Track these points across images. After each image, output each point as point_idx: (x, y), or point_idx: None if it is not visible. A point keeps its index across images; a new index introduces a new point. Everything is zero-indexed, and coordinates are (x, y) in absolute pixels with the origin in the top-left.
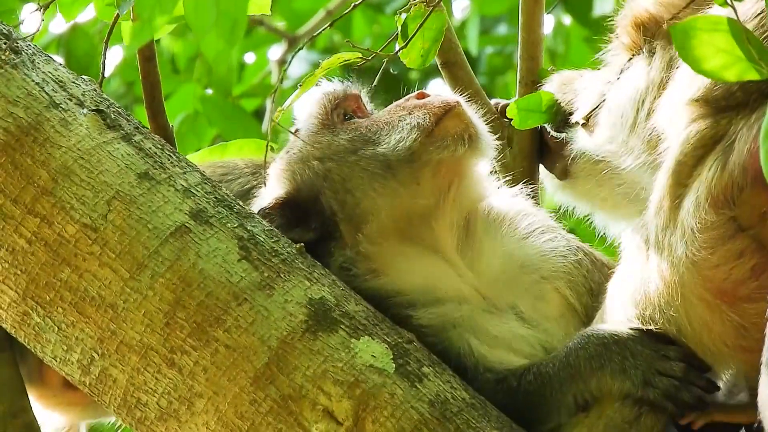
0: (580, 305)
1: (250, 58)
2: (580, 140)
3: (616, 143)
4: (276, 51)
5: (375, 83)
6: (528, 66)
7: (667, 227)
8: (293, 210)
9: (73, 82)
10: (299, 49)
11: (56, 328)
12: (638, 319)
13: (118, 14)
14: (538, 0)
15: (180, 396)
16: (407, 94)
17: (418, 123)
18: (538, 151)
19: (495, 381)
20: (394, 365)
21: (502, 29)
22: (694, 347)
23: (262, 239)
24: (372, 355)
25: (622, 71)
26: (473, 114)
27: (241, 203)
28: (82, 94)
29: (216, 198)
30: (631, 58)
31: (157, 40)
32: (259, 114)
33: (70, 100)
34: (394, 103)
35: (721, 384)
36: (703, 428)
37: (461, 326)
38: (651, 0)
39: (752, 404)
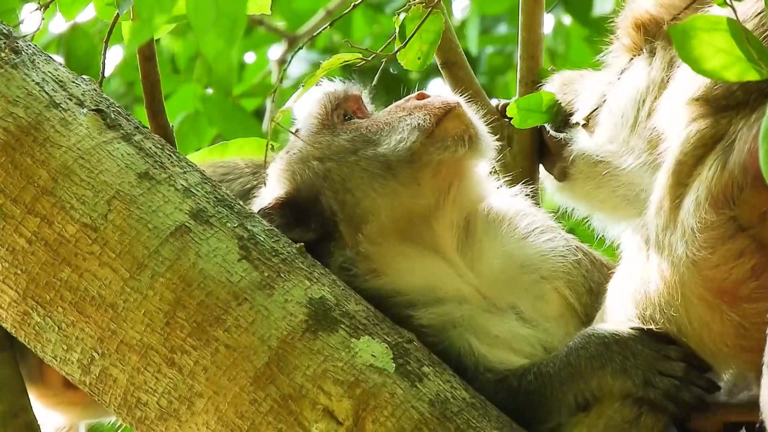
0: (580, 305)
1: (250, 57)
2: (581, 141)
3: (616, 143)
4: (276, 51)
5: (374, 83)
6: (528, 66)
7: (667, 227)
8: (293, 210)
9: (73, 82)
10: (299, 49)
11: (56, 328)
12: (639, 319)
13: (118, 14)
14: (538, 0)
15: (180, 395)
16: (407, 94)
17: (419, 124)
18: (538, 151)
19: (495, 381)
20: (394, 365)
21: (502, 29)
22: (695, 347)
23: (262, 239)
24: (372, 355)
25: (623, 71)
26: (473, 115)
27: (241, 203)
28: (82, 94)
29: (216, 198)
30: (631, 59)
31: (157, 40)
32: (259, 114)
33: (70, 100)
34: (394, 104)
35: (721, 384)
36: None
37: (461, 326)
38: (652, 1)
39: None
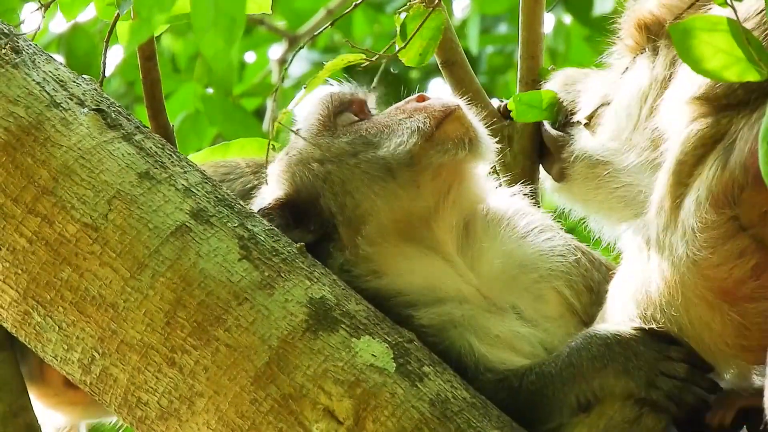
0: (580, 304)
1: (250, 57)
2: (582, 140)
3: (619, 140)
4: (276, 50)
5: (374, 84)
6: (528, 65)
7: (667, 227)
8: (292, 211)
9: (74, 82)
10: (300, 49)
11: (57, 328)
12: (640, 319)
13: (118, 14)
14: None
15: (181, 395)
16: (407, 93)
17: (418, 127)
18: (538, 151)
19: (496, 380)
20: (394, 364)
21: (502, 28)
22: (695, 346)
23: (262, 238)
24: (372, 355)
25: (625, 70)
26: (473, 117)
27: (241, 203)
28: (83, 94)
29: (216, 197)
30: (634, 58)
31: (158, 39)
32: (259, 113)
33: (71, 100)
34: (395, 106)
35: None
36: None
37: (462, 326)
38: (655, 2)
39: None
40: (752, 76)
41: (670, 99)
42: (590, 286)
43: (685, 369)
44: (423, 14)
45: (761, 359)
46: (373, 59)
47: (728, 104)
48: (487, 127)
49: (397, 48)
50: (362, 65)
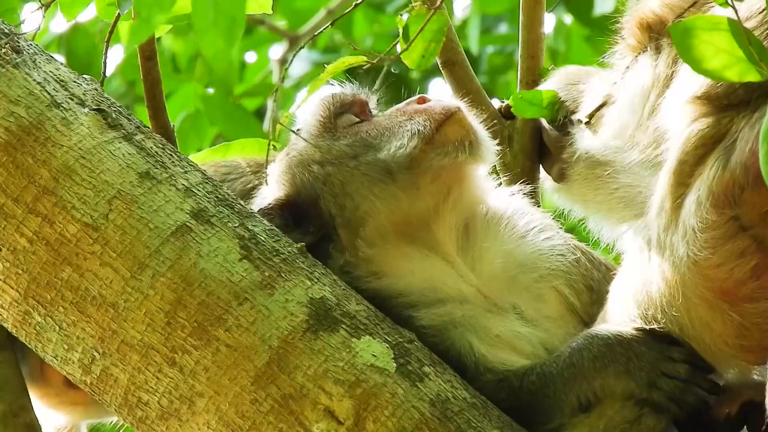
0: (580, 303)
1: (251, 57)
2: (583, 139)
3: (622, 138)
4: (277, 50)
5: (377, 87)
6: (529, 65)
7: (668, 227)
8: (292, 212)
9: (75, 82)
10: (300, 48)
11: (57, 328)
12: (641, 319)
13: (119, 13)
14: None
15: (181, 395)
16: (408, 93)
17: (419, 130)
18: (538, 151)
19: (496, 381)
20: (394, 365)
21: (502, 28)
22: (696, 347)
23: (263, 239)
24: (373, 355)
25: (628, 69)
26: (474, 119)
27: (242, 203)
28: (84, 94)
29: (217, 197)
30: (636, 57)
31: (158, 39)
32: (260, 113)
33: (72, 100)
34: (395, 107)
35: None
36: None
37: (462, 326)
38: (657, 2)
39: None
40: (753, 77)
41: (672, 98)
42: (590, 286)
43: (686, 370)
44: (425, 16)
45: (761, 359)
46: (374, 61)
47: (729, 104)
48: (487, 129)
49: (399, 50)
50: (364, 67)
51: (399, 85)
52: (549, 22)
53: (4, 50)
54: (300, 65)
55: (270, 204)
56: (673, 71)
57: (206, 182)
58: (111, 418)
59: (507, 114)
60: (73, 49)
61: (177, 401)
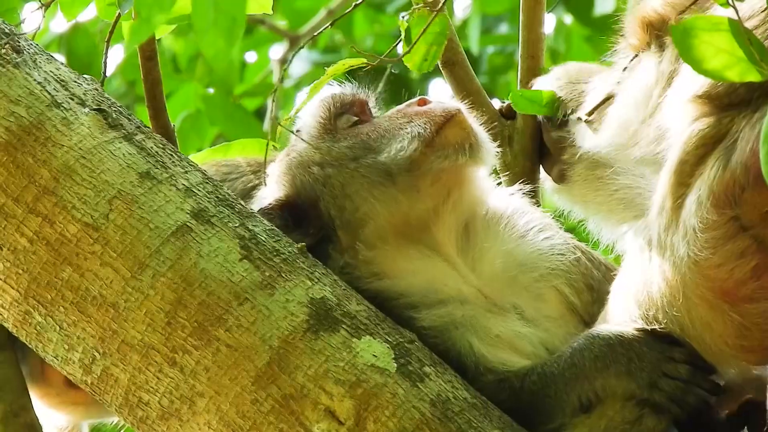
0: (580, 302)
1: (251, 57)
2: (584, 138)
3: (626, 134)
4: (277, 50)
5: (379, 89)
6: (529, 65)
7: (669, 227)
8: (291, 213)
9: (75, 82)
10: (300, 48)
11: (58, 328)
12: (642, 320)
13: (119, 13)
14: None
15: (182, 395)
16: (408, 93)
17: (419, 132)
18: (538, 151)
19: (497, 381)
20: (395, 365)
21: (503, 28)
22: (697, 347)
23: (263, 239)
24: (373, 355)
25: (630, 66)
26: (474, 121)
27: (242, 203)
28: (84, 94)
29: (217, 197)
30: (637, 54)
31: (158, 39)
32: (260, 113)
33: (72, 100)
34: (395, 109)
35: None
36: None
37: (463, 326)
38: (660, 0)
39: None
40: (753, 77)
41: (673, 97)
42: (590, 285)
43: (687, 370)
44: (427, 18)
45: (762, 360)
46: (375, 63)
47: (730, 103)
48: (487, 130)
49: (399, 51)
50: (367, 69)
51: (399, 85)
52: (549, 22)
53: (4, 50)
54: (300, 65)
55: (270, 204)
56: (676, 68)
57: (206, 182)
58: (112, 418)
59: (507, 114)
60: (73, 48)
61: (178, 401)
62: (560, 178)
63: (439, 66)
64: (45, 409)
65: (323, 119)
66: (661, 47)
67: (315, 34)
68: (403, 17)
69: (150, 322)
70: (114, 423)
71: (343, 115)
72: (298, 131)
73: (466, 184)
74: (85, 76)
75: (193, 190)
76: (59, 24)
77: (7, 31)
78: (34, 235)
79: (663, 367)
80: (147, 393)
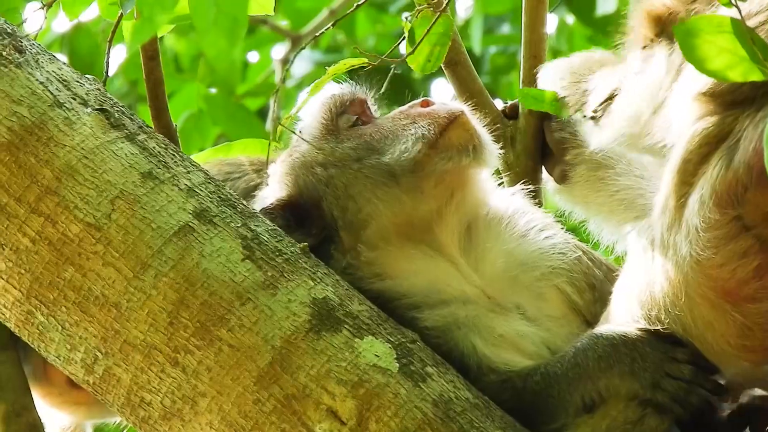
0: (582, 301)
1: (253, 57)
2: (593, 134)
3: (638, 125)
4: (279, 50)
5: (383, 90)
6: (531, 65)
7: (672, 226)
8: (293, 213)
9: (77, 81)
10: (302, 48)
11: (60, 327)
12: (644, 320)
13: (121, 13)
14: None
15: (184, 395)
16: (410, 93)
17: (423, 134)
18: (540, 151)
19: (499, 381)
20: (397, 365)
21: (505, 28)
22: (699, 346)
23: (265, 239)
24: (375, 355)
25: (639, 58)
26: (477, 123)
27: (244, 202)
28: (86, 93)
29: (219, 197)
30: (645, 47)
31: (161, 39)
32: (262, 113)
33: (74, 99)
34: (398, 109)
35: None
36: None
37: (466, 326)
38: None
39: None
40: (756, 76)
41: (678, 93)
42: (592, 284)
43: (690, 371)
44: (430, 19)
45: (764, 359)
46: (376, 63)
47: (734, 101)
48: (490, 131)
49: (402, 52)
50: (368, 69)
51: (401, 85)
52: (551, 22)
53: (6, 50)
54: (302, 65)
55: (272, 204)
56: (684, 61)
57: (209, 182)
58: (114, 418)
59: (510, 114)
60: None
61: (180, 401)
62: (562, 179)
63: (442, 66)
64: (47, 409)
65: (325, 120)
66: (671, 39)
67: (317, 34)
68: (406, 18)
69: (152, 322)
70: (116, 423)
71: (344, 115)
72: (300, 132)
73: (469, 186)
74: (87, 75)
75: (196, 190)
76: (61, 24)
77: (9, 30)
78: (37, 235)
79: (666, 368)
80: (149, 393)
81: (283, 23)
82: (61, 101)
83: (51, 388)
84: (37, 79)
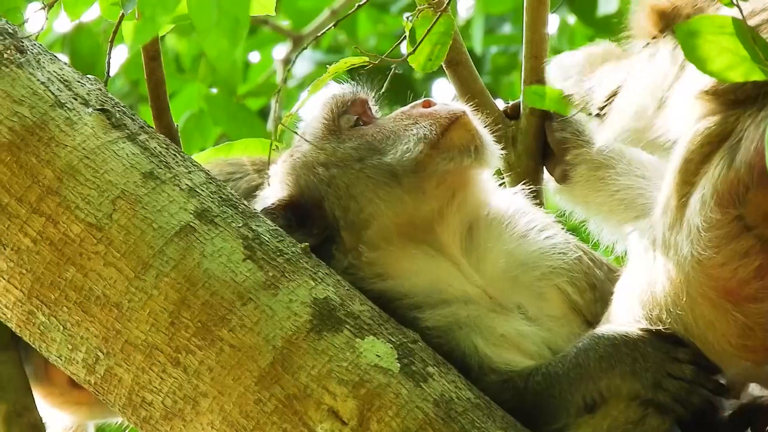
0: (583, 301)
1: (254, 57)
2: (598, 131)
3: (643, 120)
4: (281, 50)
5: (384, 90)
6: (532, 65)
7: (673, 226)
8: (295, 213)
9: (78, 82)
10: (303, 49)
11: (61, 327)
12: (646, 320)
13: (123, 13)
14: None
15: (185, 395)
16: (411, 92)
17: (425, 134)
18: (541, 151)
19: (500, 381)
20: (398, 365)
21: (506, 28)
22: (700, 346)
23: (266, 239)
24: (377, 355)
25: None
26: (479, 123)
27: (245, 203)
28: (87, 94)
29: (221, 197)
30: (648, 43)
31: (162, 39)
32: (263, 113)
33: (76, 100)
34: (400, 110)
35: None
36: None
37: (468, 326)
38: None
39: None
40: (757, 76)
41: (680, 92)
42: (593, 284)
43: (691, 371)
44: (431, 19)
45: (765, 359)
46: (377, 62)
47: (736, 99)
48: (491, 131)
49: (403, 51)
50: (369, 69)
51: (402, 85)
52: (553, 22)
53: (8, 50)
54: (303, 65)
55: (273, 204)
56: None
57: (210, 182)
58: (116, 418)
59: (511, 114)
60: (76, 48)
61: (181, 401)
62: (563, 179)
63: (443, 66)
64: (48, 409)
65: (327, 120)
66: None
67: (318, 34)
68: (407, 17)
69: (153, 322)
70: (118, 423)
71: (345, 115)
72: (301, 132)
73: (470, 186)
74: (88, 76)
75: (197, 190)
76: (63, 24)
77: (10, 31)
78: (38, 235)
79: (667, 368)
80: (150, 393)
81: (285, 23)
82: (63, 101)
83: (52, 389)
84: (38, 80)
